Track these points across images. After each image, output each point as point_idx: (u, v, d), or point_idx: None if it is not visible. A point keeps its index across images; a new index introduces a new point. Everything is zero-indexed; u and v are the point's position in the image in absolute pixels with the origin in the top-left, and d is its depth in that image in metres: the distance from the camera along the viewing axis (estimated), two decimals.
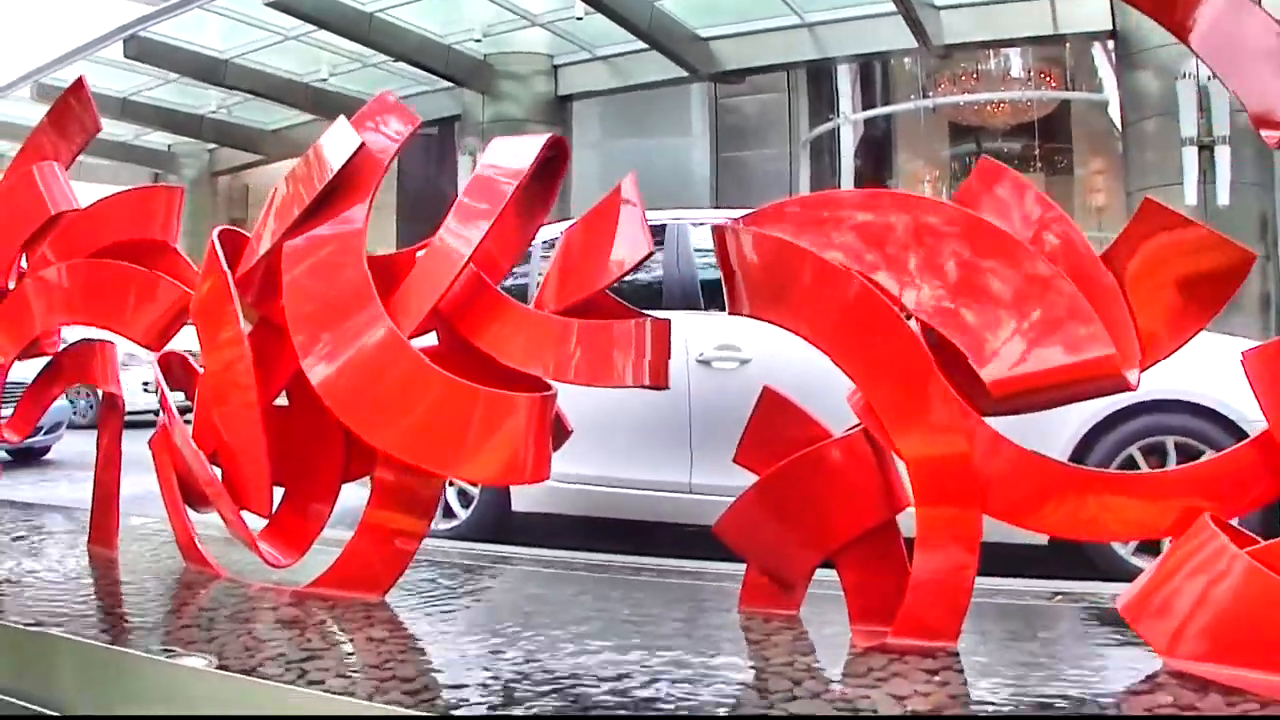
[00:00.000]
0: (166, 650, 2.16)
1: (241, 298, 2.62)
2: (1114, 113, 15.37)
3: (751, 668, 2.18)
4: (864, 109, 17.44)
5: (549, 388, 2.40)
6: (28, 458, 7.98)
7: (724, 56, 15.67)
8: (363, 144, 2.49)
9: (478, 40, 15.04)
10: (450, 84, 15.97)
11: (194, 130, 18.69)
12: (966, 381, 2.15)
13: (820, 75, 16.90)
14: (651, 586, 3.06)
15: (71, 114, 3.36)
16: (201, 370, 2.83)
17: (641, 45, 14.79)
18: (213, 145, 19.81)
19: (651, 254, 2.36)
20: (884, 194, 2.35)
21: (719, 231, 2.33)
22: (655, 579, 3.17)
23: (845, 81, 17.02)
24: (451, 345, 2.47)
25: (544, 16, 14.86)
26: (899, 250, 2.21)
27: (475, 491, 4.63)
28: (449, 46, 15.21)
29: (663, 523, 4.49)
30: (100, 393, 3.34)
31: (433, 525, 5.26)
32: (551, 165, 2.47)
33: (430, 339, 2.53)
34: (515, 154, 2.44)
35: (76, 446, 7.92)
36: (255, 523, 2.75)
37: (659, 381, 2.37)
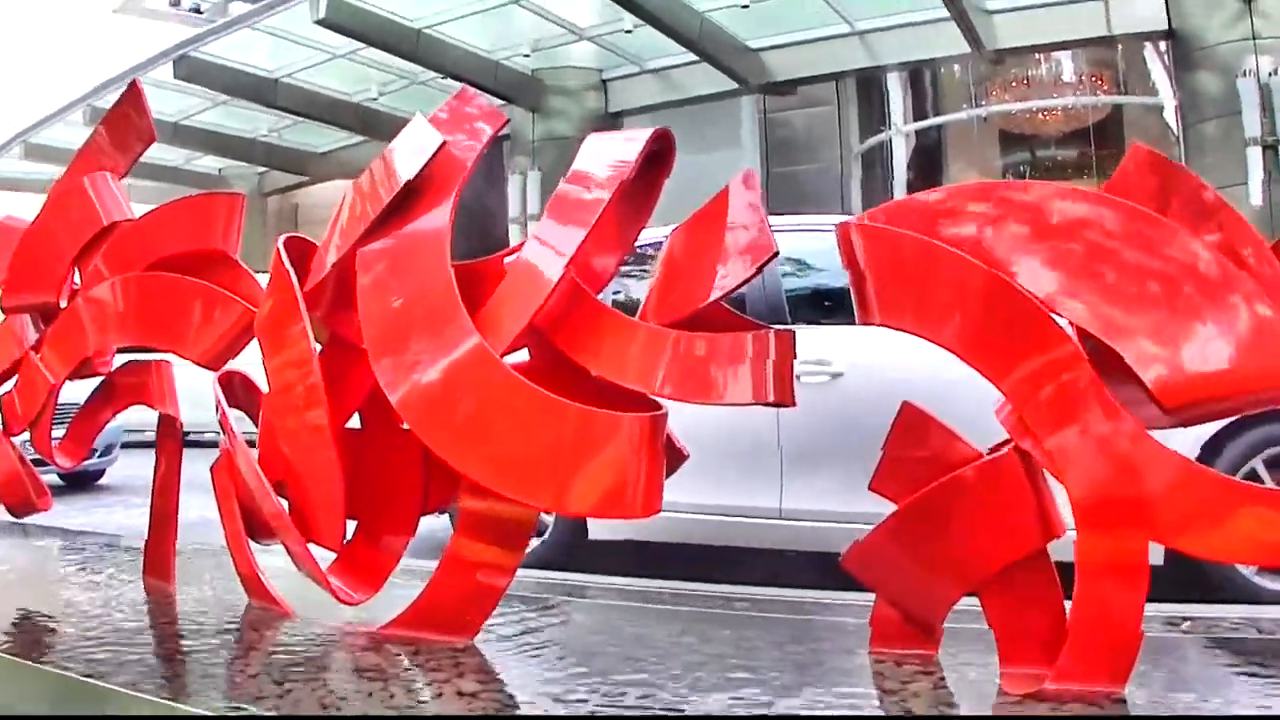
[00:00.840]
0: (234, 709, 1.92)
1: (310, 312, 2.39)
2: (1170, 116, 15.01)
3: None
4: (915, 119, 17.09)
5: (658, 407, 2.15)
6: (82, 482, 7.80)
7: (774, 67, 15.44)
8: (444, 143, 2.26)
9: (526, 55, 14.88)
10: (500, 101, 15.81)
11: (245, 153, 18.63)
12: (1126, 393, 1.91)
13: (870, 86, 16.61)
14: (756, 621, 2.78)
15: (127, 122, 3.16)
16: (265, 390, 2.61)
17: (690, 58, 14.61)
18: (263, 169, 19.78)
19: (776, 255, 2.11)
20: (1030, 185, 2.09)
21: (843, 230, 2.09)
22: (756, 611, 2.90)
23: (896, 92, 16.68)
24: (545, 360, 2.21)
25: (592, 30, 14.67)
26: (1049, 248, 1.96)
27: (549, 518, 4.38)
28: (497, 62, 15.06)
29: (746, 548, 4.23)
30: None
31: None
32: (656, 162, 2.22)
33: (519, 354, 2.28)
34: (617, 149, 2.19)
35: (130, 470, 7.76)
36: (323, 555, 2.51)
37: (784, 398, 2.11)
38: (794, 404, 2.14)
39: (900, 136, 16.68)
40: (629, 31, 14.07)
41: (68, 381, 3.20)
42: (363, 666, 2.21)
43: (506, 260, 2.31)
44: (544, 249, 2.12)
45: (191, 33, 15.76)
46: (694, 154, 14.28)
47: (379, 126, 17.37)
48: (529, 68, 15.47)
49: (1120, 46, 15.21)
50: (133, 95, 3.17)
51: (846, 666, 2.33)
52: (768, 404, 2.12)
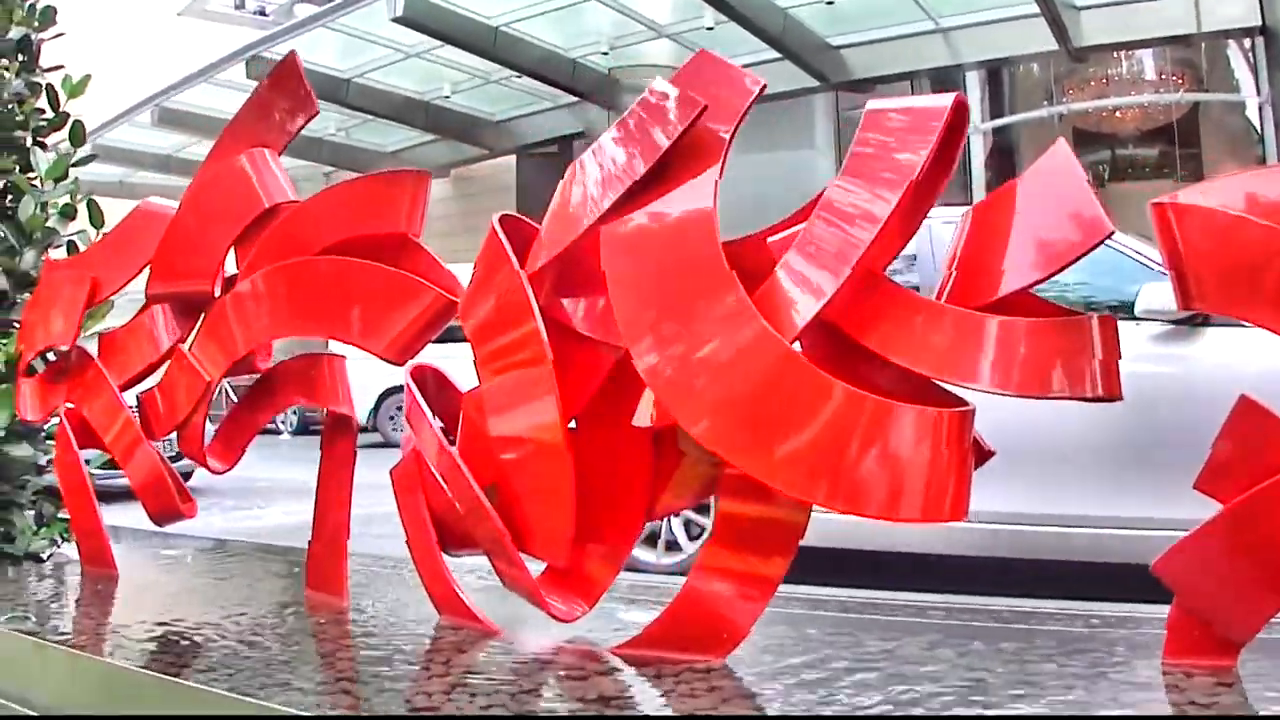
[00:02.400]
0: None
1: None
2: (1252, 114, 14.60)
3: None
4: (991, 118, 16.67)
5: (961, 401, 1.85)
6: None
7: (855, 65, 15.12)
8: (705, 107, 1.97)
9: (604, 53, 14.65)
10: (574, 99, 15.60)
11: (313, 154, 18.51)
12: None
13: (945, 84, 16.21)
14: (1006, 633, 2.47)
15: (285, 91, 2.90)
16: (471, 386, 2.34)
17: (767, 56, 14.31)
18: (330, 168, 19.69)
19: (1111, 234, 1.80)
20: None
21: (1159, 210, 1.80)
22: (991, 623, 2.59)
23: (974, 90, 16.26)
24: (827, 348, 1.91)
25: (671, 27, 14.42)
26: None
27: (707, 522, 4.08)
28: (574, 61, 14.85)
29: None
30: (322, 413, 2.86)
31: (655, 560, 4.85)
32: (950, 136, 1.92)
33: None
34: (917, 117, 1.90)
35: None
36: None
37: (1112, 391, 1.81)
38: (1120, 397, 1.83)
39: (978, 135, 16.27)
40: (710, 29, 13.82)
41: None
42: (606, 694, 1.92)
43: (770, 240, 2.02)
44: (835, 229, 1.82)
45: (262, 34, 15.67)
46: (768, 152, 13.97)
47: (450, 125, 17.24)
48: (606, 66, 15.23)
49: (1204, 45, 14.81)
50: (290, 65, 2.92)
51: (1134, 679, 2.03)
52: (1091, 399, 1.82)
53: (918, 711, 1.79)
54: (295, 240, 2.64)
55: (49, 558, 3.64)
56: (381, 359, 2.49)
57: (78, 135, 3.82)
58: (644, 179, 1.97)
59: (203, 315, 2.85)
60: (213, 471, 2.92)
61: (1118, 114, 16.72)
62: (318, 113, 2.91)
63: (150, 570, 3.34)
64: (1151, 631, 2.08)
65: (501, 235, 2.20)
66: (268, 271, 2.62)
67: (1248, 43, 14.53)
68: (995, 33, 14.21)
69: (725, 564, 2.06)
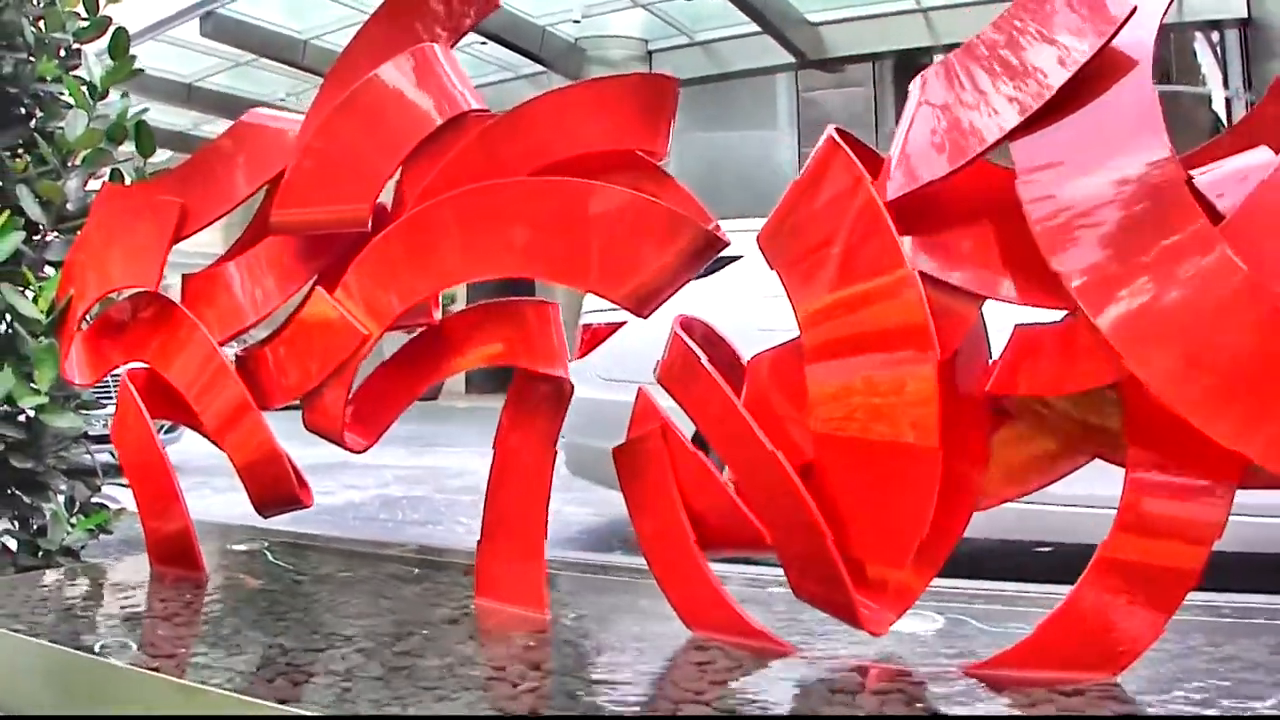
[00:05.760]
0: None
1: None
2: (1219, 107, 14.60)
3: None
4: None
5: None
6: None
7: (831, 42, 14.73)
8: (1133, 9, 1.49)
9: (576, 21, 14.03)
10: (538, 69, 14.95)
11: None
12: None
13: (908, 68, 15.94)
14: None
15: None
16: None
17: (741, 30, 13.89)
18: None
19: None
20: None
21: None
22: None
23: None
24: None
25: None
26: None
27: None
28: (544, 29, 14.19)
29: None
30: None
31: None
32: None
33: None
34: None
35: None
36: None
37: None
38: None
39: None
40: (688, 0, 13.29)
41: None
42: None
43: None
44: None
45: None
46: (728, 130, 13.57)
47: None
48: (574, 36, 14.61)
49: (1172, 37, 14.71)
50: None
51: None
52: None
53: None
54: (497, 159, 2.06)
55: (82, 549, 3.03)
56: (622, 307, 1.93)
57: (120, 45, 3.16)
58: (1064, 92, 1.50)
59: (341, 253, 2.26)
60: (351, 450, 2.32)
61: None
62: (499, 4, 2.33)
63: (234, 572, 2.72)
64: None
65: (848, 150, 1.67)
66: (464, 195, 2.03)
67: (1215, 35, 14.49)
68: (978, 14, 13.87)
69: (1133, 556, 1.57)
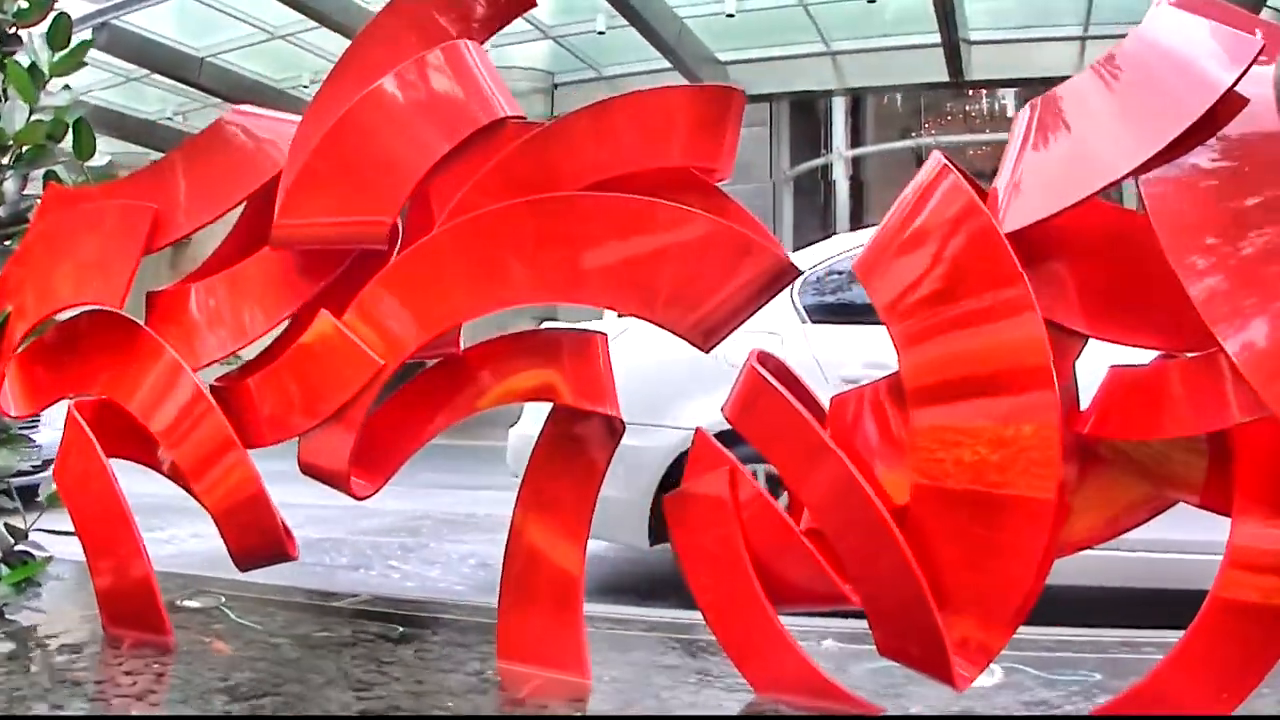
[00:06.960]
0: None
1: None
2: None
3: None
4: (852, 146, 16.53)
5: None
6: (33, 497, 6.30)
7: (737, 81, 14.70)
8: (1264, 45, 1.38)
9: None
10: None
11: (143, 137, 16.43)
12: None
13: (806, 108, 16.14)
14: None
15: None
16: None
17: (649, 67, 13.74)
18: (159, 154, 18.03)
19: None
20: None
21: None
22: None
23: (840, 116, 16.12)
24: None
25: (558, 29, 13.66)
26: None
27: None
28: None
29: None
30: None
31: None
32: None
33: None
34: None
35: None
36: None
37: None
38: None
39: (840, 161, 16.10)
40: (602, 33, 13.15)
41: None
42: None
43: None
44: None
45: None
46: None
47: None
48: None
49: None
50: None
51: None
52: None
53: None
54: (544, 171, 1.84)
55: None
56: (685, 339, 1.72)
57: (60, 32, 2.80)
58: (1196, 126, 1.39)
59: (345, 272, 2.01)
60: (355, 496, 2.05)
61: (971, 152, 16.86)
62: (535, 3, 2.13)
63: (197, 635, 2.40)
64: None
65: (962, 178, 1.51)
66: (509, 210, 1.80)
67: None
68: (882, 60, 14.08)
69: (1251, 595, 1.47)
